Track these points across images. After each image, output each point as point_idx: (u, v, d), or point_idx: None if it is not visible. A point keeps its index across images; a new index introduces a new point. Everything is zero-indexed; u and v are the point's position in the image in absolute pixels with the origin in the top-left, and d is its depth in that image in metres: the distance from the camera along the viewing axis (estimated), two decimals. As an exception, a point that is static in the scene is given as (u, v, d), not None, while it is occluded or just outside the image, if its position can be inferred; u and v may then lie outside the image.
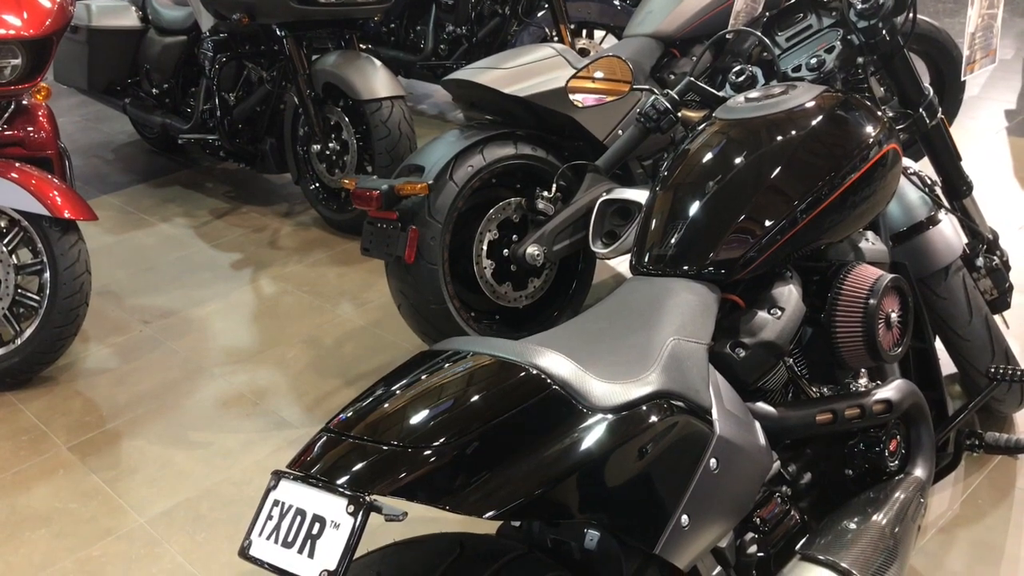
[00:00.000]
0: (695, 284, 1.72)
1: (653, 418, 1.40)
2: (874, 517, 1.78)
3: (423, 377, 1.37)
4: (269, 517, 1.25)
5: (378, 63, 4.11)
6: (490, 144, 3.01)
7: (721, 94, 2.14)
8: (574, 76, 2.40)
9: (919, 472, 1.93)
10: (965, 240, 2.43)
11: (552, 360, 1.35)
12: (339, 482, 1.21)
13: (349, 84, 3.98)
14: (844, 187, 1.82)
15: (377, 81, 3.99)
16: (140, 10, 5.00)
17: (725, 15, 2.78)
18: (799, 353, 1.89)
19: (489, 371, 1.35)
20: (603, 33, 5.39)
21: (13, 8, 3.16)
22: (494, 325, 3.17)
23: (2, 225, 3.15)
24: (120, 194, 4.85)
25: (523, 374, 1.33)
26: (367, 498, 1.19)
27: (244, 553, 1.26)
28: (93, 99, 5.29)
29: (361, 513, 1.18)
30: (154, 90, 4.94)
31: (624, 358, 1.48)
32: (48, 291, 3.09)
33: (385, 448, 1.24)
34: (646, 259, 1.81)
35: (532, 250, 2.99)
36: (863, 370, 1.90)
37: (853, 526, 1.75)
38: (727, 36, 2.56)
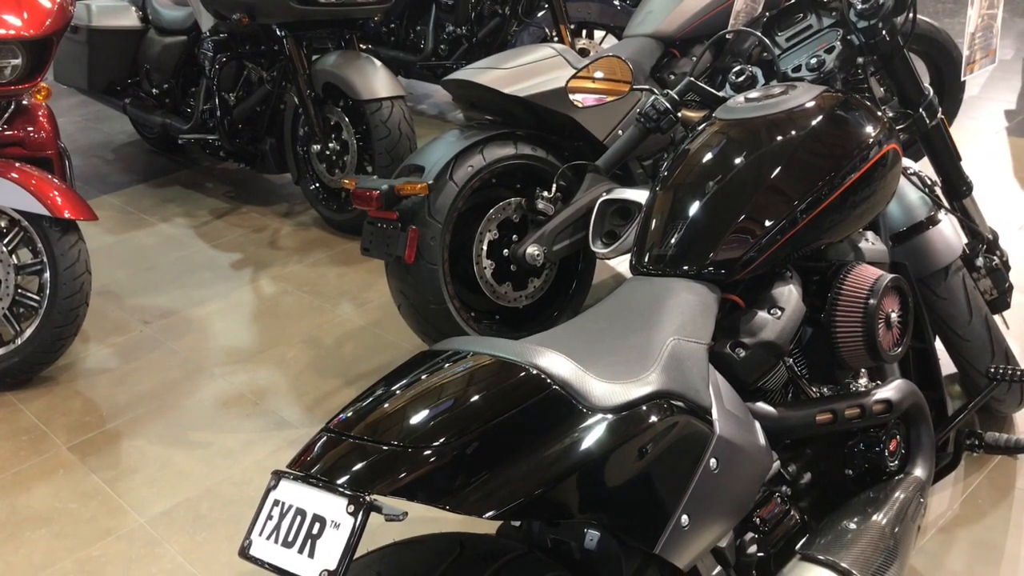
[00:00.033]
0: (695, 284, 1.72)
1: (653, 418, 1.40)
2: (874, 517, 1.78)
3: (423, 377, 1.37)
4: (269, 517, 1.25)
5: (378, 63, 4.11)
6: (490, 144, 3.01)
7: (721, 94, 2.14)
8: (574, 76, 2.40)
9: (919, 472, 1.94)
10: (965, 240, 2.43)
11: (552, 360, 1.35)
12: (339, 482, 1.21)
13: (349, 84, 3.98)
14: (844, 187, 1.82)
15: (377, 81, 3.99)
16: (140, 10, 5.00)
17: (725, 15, 2.78)
18: (799, 353, 1.89)
19: (489, 371, 1.35)
20: (603, 33, 5.39)
21: (13, 8, 3.16)
22: (494, 325, 3.17)
23: (2, 225, 3.15)
24: (120, 194, 4.85)
25: (523, 374, 1.33)
26: (367, 498, 1.19)
27: (244, 553, 1.26)
28: (93, 99, 5.29)
29: (361, 513, 1.18)
30: (154, 90, 4.94)
31: (624, 358, 1.48)
32: (48, 291, 3.09)
33: (385, 448, 1.24)
34: (646, 259, 1.81)
35: (532, 250, 3.00)
36: (863, 370, 1.90)
37: (853, 526, 1.75)
38: (727, 36, 2.56)
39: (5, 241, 3.14)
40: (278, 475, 1.27)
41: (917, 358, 2.18)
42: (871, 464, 1.89)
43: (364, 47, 4.43)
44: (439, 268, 2.92)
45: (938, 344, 2.32)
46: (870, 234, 2.08)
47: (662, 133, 2.26)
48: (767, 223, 1.76)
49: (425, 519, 1.75)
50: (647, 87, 2.93)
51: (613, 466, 1.34)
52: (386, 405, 1.32)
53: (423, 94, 6.00)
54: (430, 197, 2.89)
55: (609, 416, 1.35)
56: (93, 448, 2.91)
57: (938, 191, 2.36)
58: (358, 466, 1.23)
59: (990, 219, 2.63)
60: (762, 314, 1.75)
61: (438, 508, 1.20)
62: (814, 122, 1.86)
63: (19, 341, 3.15)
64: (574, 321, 1.68)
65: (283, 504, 1.24)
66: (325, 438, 1.30)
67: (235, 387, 3.18)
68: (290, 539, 1.22)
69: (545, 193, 3.03)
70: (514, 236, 3.10)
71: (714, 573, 1.61)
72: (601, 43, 5.37)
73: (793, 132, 1.84)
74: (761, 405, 1.71)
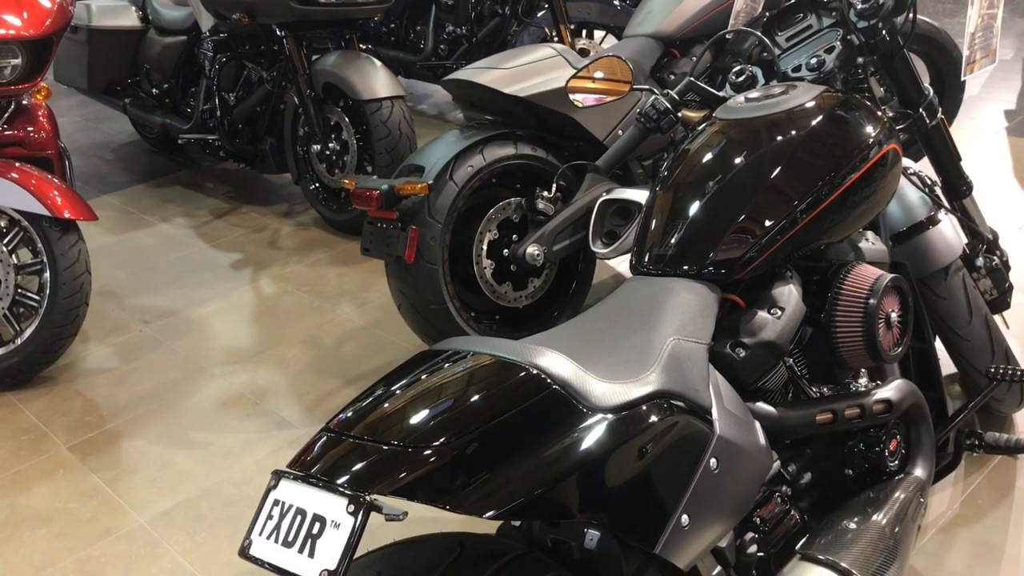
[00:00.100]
0: (695, 284, 1.72)
1: (653, 418, 1.40)
2: (874, 517, 1.78)
3: (423, 377, 1.37)
4: (269, 517, 1.25)
5: (378, 63, 4.11)
6: (490, 144, 3.01)
7: (721, 94, 2.14)
8: (574, 76, 2.40)
9: (919, 472, 1.94)
10: (965, 240, 2.43)
11: (552, 360, 1.35)
12: (339, 482, 1.21)
13: (349, 84, 3.98)
14: (844, 187, 1.82)
15: (377, 81, 3.99)
16: (140, 10, 5.00)
17: (725, 15, 2.78)
18: (799, 353, 1.89)
19: (489, 371, 1.35)
20: (603, 33, 5.39)
21: (13, 8, 3.16)
22: (494, 325, 3.17)
23: (2, 225, 3.15)
24: (120, 194, 4.85)
25: (523, 374, 1.33)
26: (367, 498, 1.19)
27: (244, 553, 1.26)
28: (93, 99, 5.29)
29: (361, 513, 1.18)
30: (154, 90, 4.94)
31: (624, 358, 1.48)
32: (48, 291, 3.09)
33: (385, 448, 1.24)
34: (646, 259, 1.81)
35: (532, 250, 3.00)
36: (863, 370, 1.90)
37: (853, 526, 1.75)
38: (727, 36, 2.56)
39: (5, 241, 3.14)
40: (278, 475, 1.27)
41: (917, 358, 2.18)
42: (871, 464, 1.89)
43: (364, 47, 4.43)
44: (439, 268, 2.92)
45: (938, 344, 2.32)
46: (870, 234, 2.08)
47: (662, 133, 2.26)
48: (767, 223, 1.76)
49: (425, 519, 1.76)
50: (647, 87, 2.93)
51: (613, 466, 1.34)
52: (386, 405, 1.32)
53: (423, 94, 6.00)
54: (430, 197, 2.89)
55: (609, 416, 1.35)
56: (93, 448, 2.91)
57: (938, 191, 2.36)
58: (358, 466, 1.23)
59: (990, 219, 2.63)
60: (762, 314, 1.75)
61: (438, 508, 1.20)
62: (814, 122, 1.86)
63: (19, 341, 3.15)
64: (574, 321, 1.68)
65: (283, 504, 1.24)
66: (325, 438, 1.30)
67: (235, 387, 3.18)
68: (290, 539, 1.22)
69: (545, 193, 3.03)
70: (514, 236, 3.10)
71: (714, 573, 1.61)
72: (601, 43, 5.37)
73: (793, 132, 1.84)
74: (761, 405, 1.71)
